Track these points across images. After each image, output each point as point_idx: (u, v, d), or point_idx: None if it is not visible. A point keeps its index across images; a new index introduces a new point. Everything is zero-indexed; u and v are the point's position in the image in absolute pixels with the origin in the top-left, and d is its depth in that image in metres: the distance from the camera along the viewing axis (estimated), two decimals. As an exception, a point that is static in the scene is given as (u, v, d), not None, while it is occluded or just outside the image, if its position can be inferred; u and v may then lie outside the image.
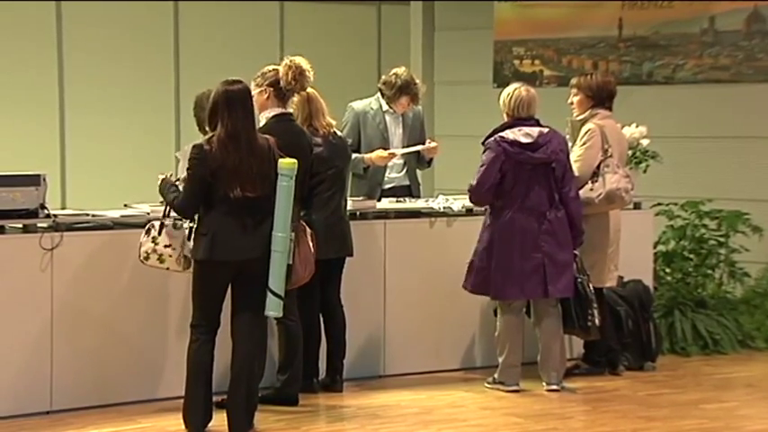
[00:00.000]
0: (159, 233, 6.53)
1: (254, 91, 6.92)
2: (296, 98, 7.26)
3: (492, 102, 8.78)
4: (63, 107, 10.94)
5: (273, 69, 7.00)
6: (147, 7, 11.39)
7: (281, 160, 6.40)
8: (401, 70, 8.24)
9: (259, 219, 6.41)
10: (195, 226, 6.46)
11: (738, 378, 8.13)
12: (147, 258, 6.54)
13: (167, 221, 6.54)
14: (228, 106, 6.40)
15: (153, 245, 6.53)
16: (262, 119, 6.93)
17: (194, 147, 6.51)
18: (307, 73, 6.97)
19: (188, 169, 6.48)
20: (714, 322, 8.74)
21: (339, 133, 7.49)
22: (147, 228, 6.55)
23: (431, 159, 8.35)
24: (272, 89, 6.94)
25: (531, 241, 7.36)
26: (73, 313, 6.94)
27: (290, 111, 7.04)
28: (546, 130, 7.45)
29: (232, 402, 6.52)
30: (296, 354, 7.08)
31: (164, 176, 6.66)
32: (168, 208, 6.53)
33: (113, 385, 7.05)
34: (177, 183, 6.58)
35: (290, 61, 6.97)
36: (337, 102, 7.79)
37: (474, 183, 7.40)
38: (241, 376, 6.49)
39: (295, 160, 6.44)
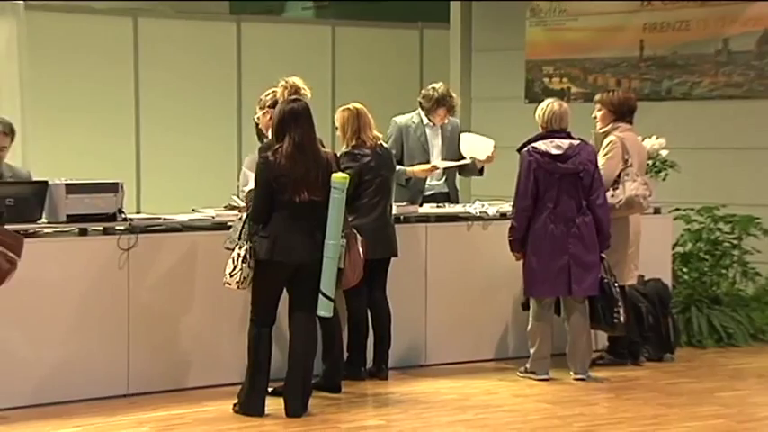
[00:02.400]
0: (251, 256, 6.46)
1: (259, 113, 7.02)
2: (345, 113, 7.29)
3: (524, 116, 8.81)
4: (138, 121, 10.99)
5: (272, 92, 7.09)
6: (212, 27, 11.45)
7: (334, 174, 6.43)
8: (438, 85, 8.23)
9: (315, 224, 6.43)
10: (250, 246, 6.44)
11: (750, 369, 8.08)
12: (243, 282, 6.45)
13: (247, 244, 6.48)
14: (294, 120, 6.45)
15: (249, 270, 6.46)
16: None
17: (260, 157, 6.55)
18: (302, 90, 7.00)
19: (255, 179, 6.52)
20: (728, 317, 8.69)
21: (385, 145, 7.50)
22: (243, 255, 6.42)
23: (481, 169, 8.29)
24: (272, 110, 6.90)
25: (560, 244, 7.34)
26: (147, 307, 6.99)
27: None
28: (576, 142, 7.44)
29: (289, 389, 6.54)
30: (334, 344, 7.06)
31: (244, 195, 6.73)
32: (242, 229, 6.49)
33: (182, 371, 7.09)
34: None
35: (286, 81, 7.03)
36: (383, 116, 7.80)
37: (516, 192, 7.40)
38: (297, 366, 6.52)
39: (347, 175, 6.49)
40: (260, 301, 6.55)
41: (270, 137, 6.86)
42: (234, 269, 6.44)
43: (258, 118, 7.22)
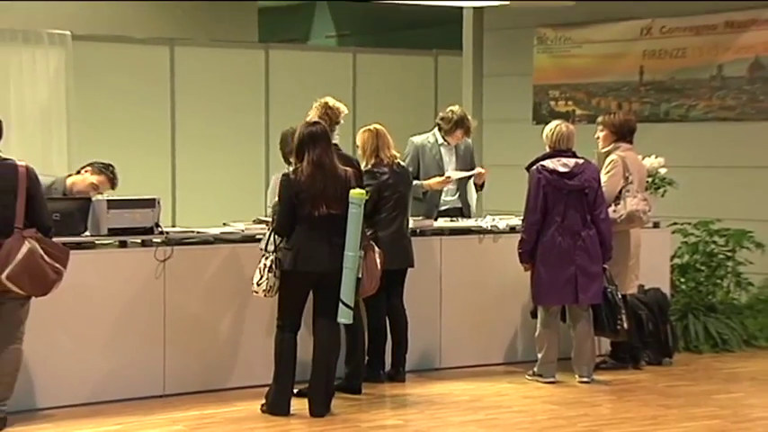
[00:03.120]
0: (276, 266, 6.49)
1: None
2: (365, 134, 7.30)
3: (531, 136, 8.80)
4: (174, 141, 11.03)
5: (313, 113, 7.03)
6: (243, 54, 11.50)
7: (352, 190, 6.44)
8: (456, 108, 8.24)
9: (335, 236, 6.43)
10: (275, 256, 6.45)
11: (744, 372, 8.04)
12: (269, 291, 6.47)
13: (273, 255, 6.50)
14: (312, 141, 6.48)
15: (275, 279, 6.48)
16: None
17: (283, 176, 6.58)
18: (333, 105, 6.96)
19: (278, 195, 6.54)
20: (723, 324, 8.65)
21: (402, 163, 7.50)
22: (269, 266, 6.44)
23: (482, 184, 8.32)
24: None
25: (567, 256, 7.32)
26: (181, 313, 7.00)
27: (335, 142, 6.92)
28: (581, 161, 7.43)
29: (313, 390, 6.54)
30: (356, 349, 7.05)
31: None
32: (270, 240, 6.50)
33: (214, 374, 7.09)
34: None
35: (319, 101, 7.00)
36: (400, 136, 7.80)
37: (525, 207, 7.38)
38: (321, 368, 6.52)
39: (363, 191, 6.49)
40: (285, 308, 6.55)
41: None
42: (261, 278, 6.46)
43: None
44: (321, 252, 6.43)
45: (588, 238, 7.36)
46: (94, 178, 7.14)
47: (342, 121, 7.07)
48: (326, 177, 6.43)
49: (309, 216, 6.42)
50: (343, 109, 7.06)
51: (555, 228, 7.32)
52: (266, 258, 6.47)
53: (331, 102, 7.03)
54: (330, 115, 6.95)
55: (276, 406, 6.51)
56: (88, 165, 7.32)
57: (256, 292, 6.49)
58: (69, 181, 7.23)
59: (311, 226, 6.43)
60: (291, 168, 6.60)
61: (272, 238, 6.51)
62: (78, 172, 7.32)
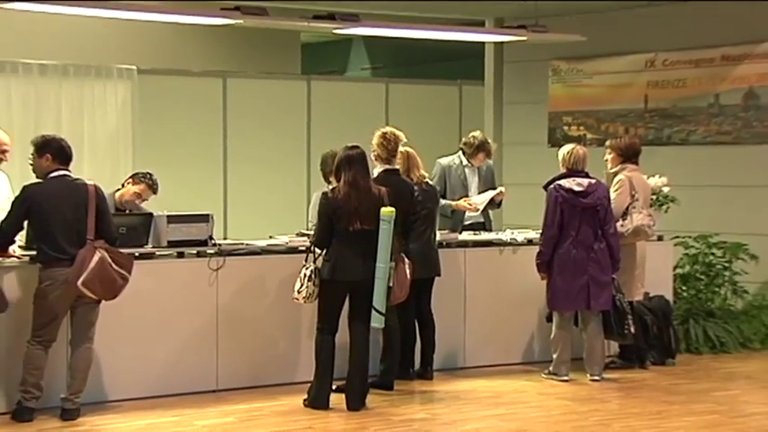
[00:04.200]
0: (315, 276, 6.49)
1: (375, 151, 6.94)
2: (399, 155, 7.29)
3: (546, 158, 8.79)
4: (226, 163, 11.05)
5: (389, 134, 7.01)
6: (287, 85, 11.48)
7: (382, 208, 6.43)
8: (477, 133, 8.23)
9: (367, 249, 6.42)
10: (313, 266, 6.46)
11: (740, 372, 7.98)
12: (309, 298, 6.48)
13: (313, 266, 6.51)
14: (348, 164, 6.48)
15: (314, 287, 6.48)
16: (375, 172, 6.96)
17: (322, 194, 6.59)
18: (401, 137, 6.97)
19: (318, 211, 6.55)
20: (720, 328, 8.58)
21: (430, 182, 7.49)
22: (309, 275, 6.45)
23: (500, 202, 8.30)
24: (387, 152, 6.93)
25: (581, 266, 7.29)
26: (232, 316, 7.01)
27: (396, 167, 7.02)
28: (594, 181, 7.41)
29: (350, 386, 6.53)
30: (392, 349, 7.02)
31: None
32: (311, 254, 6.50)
33: (261, 371, 7.10)
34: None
35: (387, 131, 7.00)
36: (429, 158, 7.78)
37: (544, 224, 7.35)
38: (357, 367, 6.51)
39: (393, 209, 6.45)
40: (324, 313, 6.55)
41: (378, 170, 6.90)
42: (301, 287, 6.47)
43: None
44: (355, 263, 6.43)
45: (599, 251, 7.33)
46: (136, 188, 7.21)
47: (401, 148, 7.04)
48: (360, 196, 6.43)
49: (345, 231, 6.42)
50: (403, 137, 7.02)
51: (570, 241, 7.30)
52: (306, 268, 6.47)
53: (388, 129, 7.01)
54: (395, 143, 6.95)
55: (317, 400, 6.50)
56: (130, 177, 7.40)
57: (297, 299, 6.50)
58: (117, 194, 7.29)
59: (346, 239, 6.43)
60: (330, 187, 6.61)
61: (311, 251, 6.51)
62: (123, 185, 7.36)
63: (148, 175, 7.41)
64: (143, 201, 7.35)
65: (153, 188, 7.39)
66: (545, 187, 7.43)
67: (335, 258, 6.44)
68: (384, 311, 6.47)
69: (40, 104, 10.04)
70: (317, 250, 6.53)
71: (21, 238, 6.41)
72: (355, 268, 6.43)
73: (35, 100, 10.03)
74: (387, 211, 6.43)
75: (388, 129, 7.03)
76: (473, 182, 8.18)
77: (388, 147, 6.92)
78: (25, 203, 6.18)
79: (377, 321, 6.47)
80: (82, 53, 10.64)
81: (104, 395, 6.61)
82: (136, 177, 7.38)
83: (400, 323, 7.18)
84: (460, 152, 8.17)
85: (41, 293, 6.18)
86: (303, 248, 6.80)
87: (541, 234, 7.42)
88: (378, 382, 6.94)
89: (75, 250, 6.13)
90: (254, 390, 6.96)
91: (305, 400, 6.57)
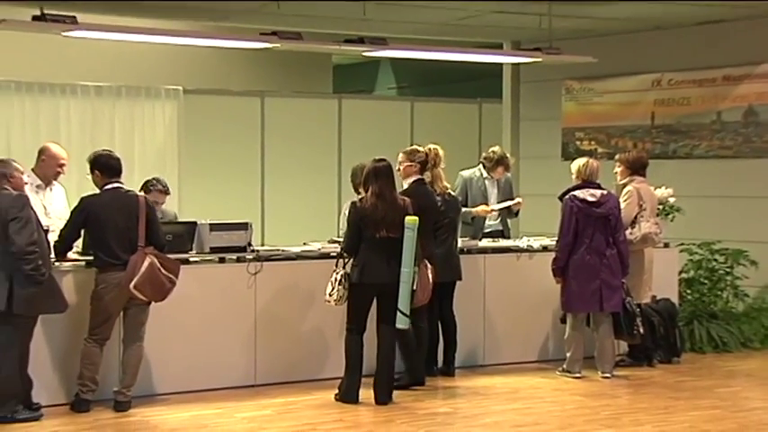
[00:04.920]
0: (345, 280, 6.49)
1: (405, 162, 6.96)
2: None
3: (560, 171, 8.76)
4: (263, 175, 11.08)
5: (423, 152, 7.02)
6: (320, 103, 11.47)
7: (407, 217, 6.43)
8: (497, 148, 8.23)
9: (393, 254, 6.42)
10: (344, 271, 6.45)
11: (741, 370, 7.92)
12: (339, 300, 6.48)
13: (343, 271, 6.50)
14: (377, 176, 6.48)
15: (344, 291, 6.47)
16: (405, 183, 6.97)
17: (351, 204, 6.60)
18: (441, 155, 7.07)
19: (347, 220, 6.56)
20: (723, 329, 8.53)
21: (452, 193, 7.48)
22: (339, 279, 6.45)
23: (517, 211, 8.30)
24: (419, 165, 6.96)
25: (594, 271, 7.27)
26: (269, 317, 7.03)
27: (425, 177, 7.03)
28: (606, 192, 7.40)
29: (378, 382, 6.53)
30: (420, 348, 6.98)
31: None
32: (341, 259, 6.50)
33: (296, 368, 7.10)
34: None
35: (434, 149, 7.03)
36: (451, 170, 7.74)
37: (560, 232, 7.32)
38: (384, 365, 6.51)
39: (417, 218, 6.45)
40: (353, 314, 6.55)
41: (408, 180, 6.92)
42: (332, 290, 6.47)
43: (400, 166, 7.03)
44: (382, 267, 6.43)
45: (611, 257, 7.30)
46: (150, 197, 6.95)
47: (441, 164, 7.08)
48: (386, 206, 6.43)
49: (372, 238, 6.42)
50: (441, 151, 7.07)
51: (584, 248, 7.27)
52: (337, 273, 6.48)
53: (432, 146, 7.04)
54: (437, 162, 7.04)
55: (347, 395, 6.51)
56: (141, 187, 7.27)
57: (328, 302, 6.50)
58: None
59: (374, 246, 6.43)
60: (359, 197, 6.62)
61: (341, 257, 6.52)
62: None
63: (155, 182, 7.37)
64: (161, 205, 7.27)
65: (165, 191, 7.37)
66: (560, 198, 7.41)
67: (363, 263, 6.45)
68: (408, 313, 6.47)
69: (95, 123, 10.13)
70: (347, 256, 6.54)
71: (77, 245, 6.47)
72: (382, 272, 6.44)
73: (91, 119, 10.12)
74: (411, 220, 6.43)
75: (432, 146, 7.06)
76: (493, 193, 8.17)
77: (426, 161, 6.95)
78: (83, 213, 6.25)
79: (401, 322, 6.47)
80: (133, 75, 10.74)
81: (153, 389, 6.65)
82: (146, 187, 7.30)
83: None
84: (481, 165, 8.16)
85: (97, 295, 6.24)
86: (334, 254, 6.81)
87: (557, 241, 7.40)
88: (408, 381, 6.90)
89: (127, 256, 6.18)
90: (290, 385, 6.97)
91: (336, 394, 6.58)
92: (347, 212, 6.85)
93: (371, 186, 6.48)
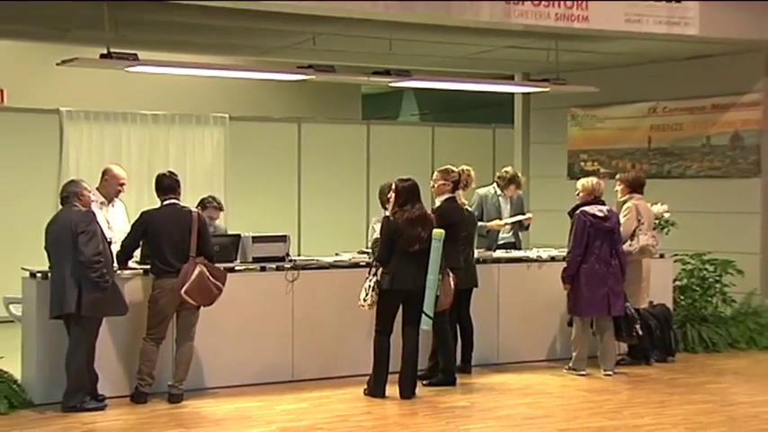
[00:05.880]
0: (377, 286, 6.45)
1: (440, 180, 6.93)
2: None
3: (566, 189, 8.75)
4: (300, 192, 11.12)
5: (456, 172, 7.00)
6: (350, 128, 11.53)
7: (434, 230, 6.44)
8: (510, 168, 8.22)
9: (420, 263, 6.42)
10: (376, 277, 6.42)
11: (729, 368, 7.85)
12: (372, 305, 6.43)
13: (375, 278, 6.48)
14: (407, 194, 6.47)
15: (376, 296, 6.42)
16: (438, 200, 6.97)
17: (384, 218, 6.57)
18: (473, 176, 7.08)
19: (381, 233, 6.53)
20: (713, 332, 8.47)
21: (470, 208, 7.47)
22: (372, 286, 6.41)
23: (528, 226, 8.28)
24: (452, 184, 6.96)
25: (602, 279, 7.24)
26: (305, 319, 7.04)
27: (455, 196, 7.01)
28: (609, 208, 7.39)
29: (403, 378, 6.52)
30: (446, 349, 6.94)
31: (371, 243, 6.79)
32: (374, 269, 6.46)
33: (329, 364, 7.10)
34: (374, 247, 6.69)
35: (467, 170, 7.04)
36: (470, 190, 7.80)
37: (573, 243, 7.28)
38: (408, 363, 6.51)
39: (443, 231, 6.44)
40: (383, 317, 6.53)
41: (441, 198, 6.90)
42: (366, 296, 6.44)
43: (435, 183, 7.03)
44: (410, 275, 6.43)
45: (615, 266, 7.29)
46: (206, 213, 7.00)
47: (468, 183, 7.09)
48: (416, 221, 6.43)
49: (403, 250, 6.41)
50: (473, 173, 7.11)
51: (594, 258, 7.24)
52: (370, 280, 6.47)
53: (465, 168, 7.06)
54: (468, 182, 7.08)
55: (375, 390, 6.51)
56: (198, 204, 7.22)
57: (363, 306, 6.48)
58: None
59: (404, 256, 6.42)
60: (389, 212, 6.58)
61: (374, 266, 6.50)
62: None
63: (211, 199, 7.37)
64: (215, 220, 7.28)
65: (219, 208, 7.38)
66: (570, 213, 7.39)
67: (394, 272, 6.43)
68: (432, 316, 6.47)
69: (152, 147, 10.24)
70: (379, 266, 6.49)
71: (136, 255, 6.52)
72: (410, 280, 6.43)
73: (149, 143, 10.24)
74: (438, 232, 6.43)
75: (465, 167, 7.07)
76: (506, 209, 8.15)
77: (459, 180, 6.96)
78: (142, 226, 6.31)
79: (426, 324, 6.45)
80: (185, 105, 10.84)
81: (203, 383, 6.67)
82: (203, 204, 7.28)
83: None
84: (495, 184, 8.16)
85: (153, 299, 6.29)
86: (363, 263, 6.80)
87: (569, 252, 7.35)
88: (442, 380, 6.84)
89: (180, 265, 6.23)
90: (324, 380, 6.97)
91: (365, 389, 6.58)
92: (376, 226, 6.85)
93: (403, 202, 6.45)
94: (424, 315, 6.42)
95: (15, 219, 9.40)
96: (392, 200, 6.56)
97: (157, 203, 6.43)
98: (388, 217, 6.53)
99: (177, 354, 6.39)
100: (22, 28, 8.22)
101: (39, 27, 8.09)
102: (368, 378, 6.60)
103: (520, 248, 8.28)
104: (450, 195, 6.96)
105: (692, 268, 8.81)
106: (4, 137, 9.65)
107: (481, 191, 8.14)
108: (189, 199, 7.74)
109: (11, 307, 6.64)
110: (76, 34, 8.12)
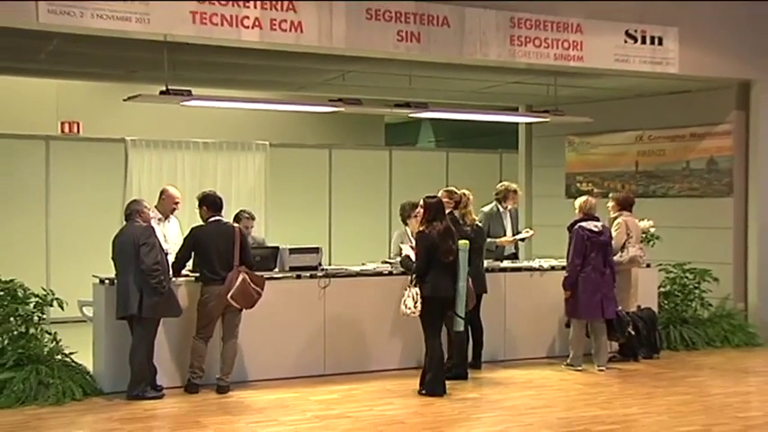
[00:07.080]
0: (418, 296, 6.28)
1: (445, 198, 6.84)
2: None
3: (564, 206, 8.72)
4: (331, 209, 11.15)
5: (459, 194, 7.00)
6: (374, 154, 11.50)
7: (460, 241, 6.36)
8: (507, 183, 8.15)
9: (451, 272, 6.31)
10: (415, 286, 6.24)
11: (706, 364, 7.76)
12: (413, 313, 6.24)
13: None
14: (437, 210, 6.38)
15: (415, 306, 6.25)
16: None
17: (419, 233, 6.38)
18: (471, 198, 7.06)
19: (419, 246, 6.32)
20: (692, 332, 8.38)
21: (479, 224, 7.43)
22: (412, 296, 6.21)
23: (524, 238, 8.18)
24: (454, 202, 6.93)
25: (597, 286, 7.20)
26: (336, 321, 7.03)
27: (455, 213, 6.94)
28: (603, 224, 7.37)
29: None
30: (462, 348, 6.88)
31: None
32: (414, 278, 6.30)
33: (356, 361, 7.08)
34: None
35: (467, 194, 7.03)
36: (477, 207, 7.76)
37: (572, 255, 7.23)
38: (451, 356, 6.49)
39: (467, 241, 6.42)
40: (430, 323, 6.29)
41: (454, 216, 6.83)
42: (415, 303, 6.22)
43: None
44: (446, 284, 6.30)
45: (608, 275, 7.25)
46: (241, 224, 6.85)
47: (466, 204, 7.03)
48: (447, 235, 6.31)
49: (439, 261, 6.27)
50: (471, 196, 7.05)
51: (591, 267, 7.20)
52: (411, 290, 6.25)
53: (466, 192, 7.04)
54: (466, 202, 6.98)
55: (437, 389, 6.25)
56: (234, 218, 7.12)
57: (409, 314, 6.20)
58: None
59: (440, 267, 6.28)
60: (419, 225, 6.38)
61: (414, 278, 6.28)
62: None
63: (244, 213, 7.32)
64: (250, 229, 7.18)
65: (251, 218, 7.28)
66: (569, 228, 7.35)
67: (433, 281, 6.26)
68: (464, 318, 6.37)
69: (203, 170, 10.30)
70: (418, 277, 6.29)
71: (189, 264, 6.55)
72: (446, 287, 6.29)
73: (200, 167, 10.30)
74: (463, 243, 6.37)
75: (465, 191, 7.04)
76: (507, 223, 8.11)
77: (460, 200, 6.95)
78: (193, 240, 6.36)
79: (459, 326, 6.39)
80: (231, 133, 10.91)
81: (246, 376, 6.68)
82: (237, 217, 7.20)
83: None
84: (495, 201, 8.12)
85: (202, 303, 6.32)
86: (386, 272, 6.73)
87: (569, 262, 7.29)
88: (455, 374, 6.76)
89: (225, 273, 6.26)
90: (352, 374, 6.95)
91: (420, 389, 6.27)
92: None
93: (435, 219, 6.29)
94: (457, 318, 6.32)
95: (87, 232, 9.50)
96: (420, 215, 6.46)
97: (206, 220, 6.46)
98: (422, 231, 6.34)
99: (223, 350, 6.40)
100: (96, 70, 8.43)
101: (109, 69, 8.32)
102: (420, 379, 6.35)
103: (518, 258, 8.22)
104: (450, 211, 6.89)
105: (674, 276, 8.74)
106: (78, 162, 9.81)
107: (486, 209, 8.08)
108: (232, 218, 7.77)
109: (84, 309, 6.70)
110: (140, 75, 8.28)
